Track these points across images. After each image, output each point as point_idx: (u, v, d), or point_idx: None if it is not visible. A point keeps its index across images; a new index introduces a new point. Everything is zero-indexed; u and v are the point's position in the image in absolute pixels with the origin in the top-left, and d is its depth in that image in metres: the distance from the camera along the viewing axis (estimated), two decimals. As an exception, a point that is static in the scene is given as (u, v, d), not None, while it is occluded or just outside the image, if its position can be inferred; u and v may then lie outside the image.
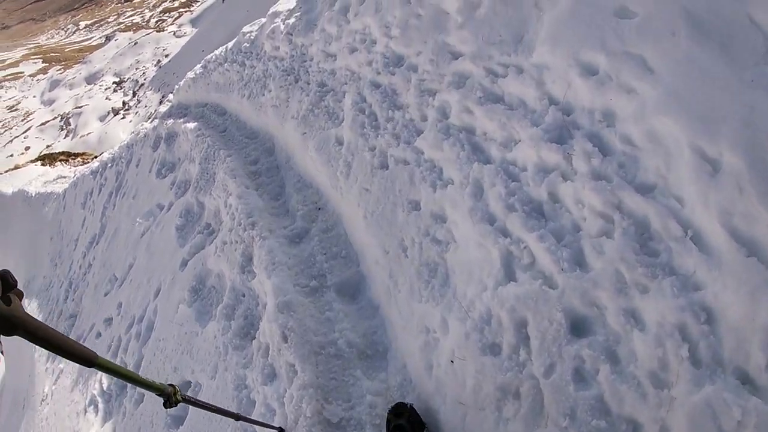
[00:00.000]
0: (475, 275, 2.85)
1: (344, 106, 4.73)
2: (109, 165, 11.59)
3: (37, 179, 17.55)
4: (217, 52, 9.40)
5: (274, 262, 4.06)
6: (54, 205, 14.87)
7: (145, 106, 41.73)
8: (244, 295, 4.43)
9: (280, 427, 3.01)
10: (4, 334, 0.98)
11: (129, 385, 5.49)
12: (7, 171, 21.05)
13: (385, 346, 3.46)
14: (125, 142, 11.33)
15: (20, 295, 1.02)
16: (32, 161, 20.53)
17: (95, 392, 6.25)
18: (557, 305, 2.36)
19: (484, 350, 2.59)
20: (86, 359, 1.18)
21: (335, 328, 3.52)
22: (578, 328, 2.32)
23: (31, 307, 13.23)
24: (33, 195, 16.41)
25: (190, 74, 9.92)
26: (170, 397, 1.54)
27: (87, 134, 43.56)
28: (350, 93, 4.70)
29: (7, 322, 0.98)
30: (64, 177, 16.56)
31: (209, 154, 6.76)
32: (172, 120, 9.09)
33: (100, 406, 5.96)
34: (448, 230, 3.21)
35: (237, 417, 2.46)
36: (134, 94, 43.22)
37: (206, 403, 1.88)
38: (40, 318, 11.76)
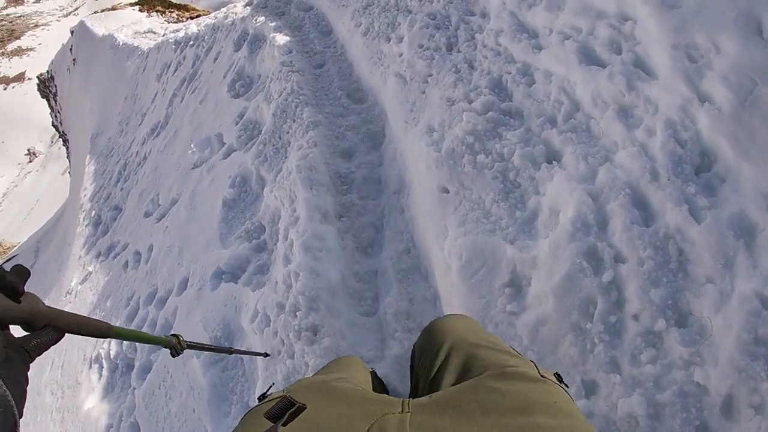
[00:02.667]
0: None
1: (546, 191, 2.20)
2: (191, 43, 9.46)
3: (129, 27, 15.53)
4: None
5: None
6: (136, 63, 13.11)
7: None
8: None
9: (265, 353, 2.73)
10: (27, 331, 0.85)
11: (135, 367, 4.28)
12: (103, 11, 19.14)
13: None
14: (211, 23, 8.94)
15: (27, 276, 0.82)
16: (131, 4, 18.42)
17: (102, 351, 4.97)
18: None
19: None
20: (102, 333, 1.08)
21: None
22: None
23: (88, 168, 11.97)
24: (120, 44, 14.61)
25: (301, -40, 7.19)
26: (175, 346, 1.48)
27: (203, -22, 41.27)
28: (566, 171, 2.14)
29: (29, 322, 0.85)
30: (155, 33, 14.46)
31: (289, 106, 4.33)
32: (264, 18, 6.57)
33: (104, 374, 4.74)
34: None
35: (230, 351, 2.17)
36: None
37: (205, 345, 1.74)
38: (92, 190, 10.40)
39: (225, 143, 5.36)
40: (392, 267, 2.70)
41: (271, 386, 1.35)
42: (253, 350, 2.85)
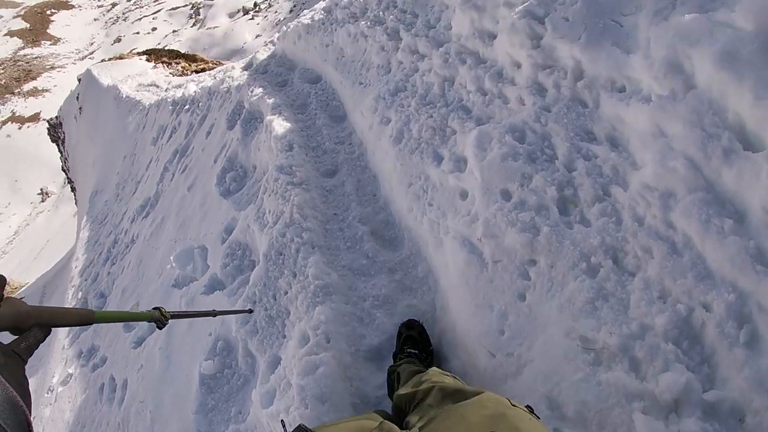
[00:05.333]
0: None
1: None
2: (187, 107, 8.09)
3: (134, 78, 14.20)
4: (354, -9, 5.16)
5: None
6: (137, 119, 11.88)
7: (275, 12, 38.05)
8: None
9: (249, 309, 2.70)
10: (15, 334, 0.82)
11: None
12: (111, 59, 17.89)
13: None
14: (207, 86, 7.53)
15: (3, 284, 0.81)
16: (138, 54, 17.15)
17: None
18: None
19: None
20: (86, 320, 1.05)
21: None
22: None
23: (83, 234, 10.67)
24: (123, 96, 13.39)
25: (305, 19, 5.73)
26: (160, 319, 1.42)
27: (214, 27, 40.54)
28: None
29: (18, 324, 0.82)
30: (157, 86, 13.10)
31: (287, 247, 2.84)
32: (261, 90, 5.11)
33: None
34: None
35: (214, 313, 2.02)
36: (268, -4, 39.64)
37: (188, 312, 1.86)
38: (83, 262, 9.44)
39: (208, 266, 3.91)
40: None
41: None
42: (236, 309, 2.62)
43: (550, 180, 1.86)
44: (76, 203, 20.60)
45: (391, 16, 4.00)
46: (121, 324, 5.37)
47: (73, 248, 19.42)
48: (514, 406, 1.09)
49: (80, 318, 1.01)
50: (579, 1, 2.24)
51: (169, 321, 1.45)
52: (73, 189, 20.91)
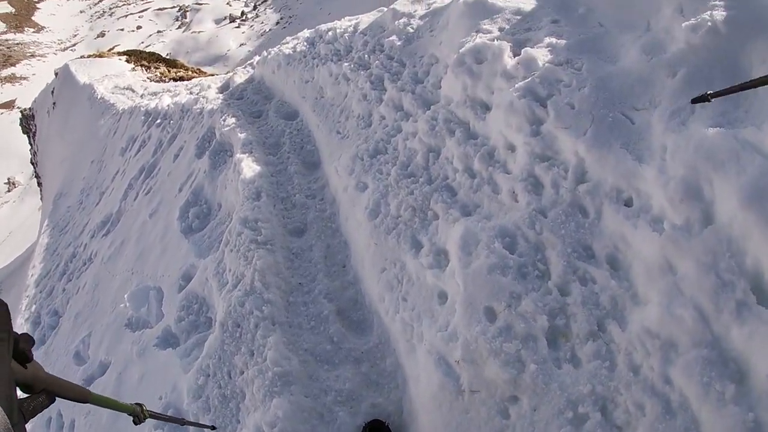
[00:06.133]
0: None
1: None
2: (158, 121, 7.67)
3: (111, 79, 13.67)
4: (339, 26, 4.93)
5: None
6: (109, 123, 11.37)
7: (261, 22, 37.66)
8: None
9: (212, 426, 2.30)
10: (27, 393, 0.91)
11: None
12: (90, 56, 17.21)
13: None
14: (181, 103, 7.16)
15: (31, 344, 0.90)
16: (118, 53, 16.56)
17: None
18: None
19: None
20: (84, 398, 1.18)
21: None
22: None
23: (42, 239, 10.16)
24: (98, 97, 12.87)
25: (286, 48, 5.46)
26: (139, 415, 1.48)
27: (199, 32, 39.82)
28: None
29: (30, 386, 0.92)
30: (133, 91, 12.60)
31: (245, 319, 2.56)
32: (234, 120, 4.81)
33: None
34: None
35: (182, 422, 2.08)
36: (255, 7, 39.27)
37: (163, 415, 1.81)
38: (39, 271, 8.81)
39: (163, 314, 3.62)
40: None
41: None
42: (200, 423, 2.40)
43: (541, 305, 1.63)
44: (41, 198, 19.74)
45: (377, 62, 3.77)
46: (72, 355, 4.95)
47: (33, 245, 18.60)
48: None
49: (80, 395, 1.12)
50: (587, 86, 2.04)
51: (147, 420, 1.49)
52: (39, 183, 20.14)
